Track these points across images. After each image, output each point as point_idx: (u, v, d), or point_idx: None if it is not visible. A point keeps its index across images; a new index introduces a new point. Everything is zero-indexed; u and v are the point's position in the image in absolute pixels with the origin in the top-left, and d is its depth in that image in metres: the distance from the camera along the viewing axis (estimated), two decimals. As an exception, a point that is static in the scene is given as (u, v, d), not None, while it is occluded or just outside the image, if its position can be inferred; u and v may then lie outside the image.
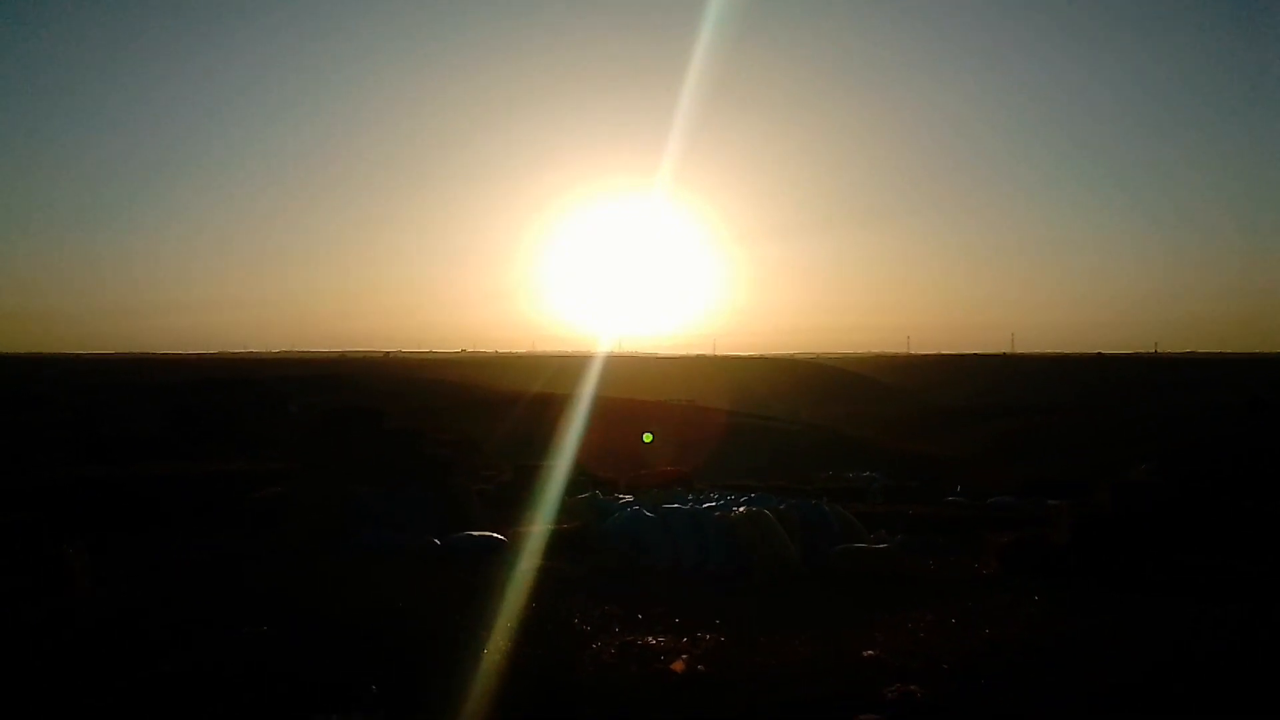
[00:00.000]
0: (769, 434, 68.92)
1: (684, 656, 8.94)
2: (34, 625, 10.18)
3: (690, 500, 18.92)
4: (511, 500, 21.32)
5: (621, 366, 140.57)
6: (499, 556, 15.01)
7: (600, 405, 61.94)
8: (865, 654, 9.04)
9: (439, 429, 37.73)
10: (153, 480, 22.78)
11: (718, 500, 18.35)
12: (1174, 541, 15.53)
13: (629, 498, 20.49)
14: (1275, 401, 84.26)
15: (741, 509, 16.68)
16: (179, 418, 43.47)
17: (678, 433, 60.33)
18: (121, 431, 42.20)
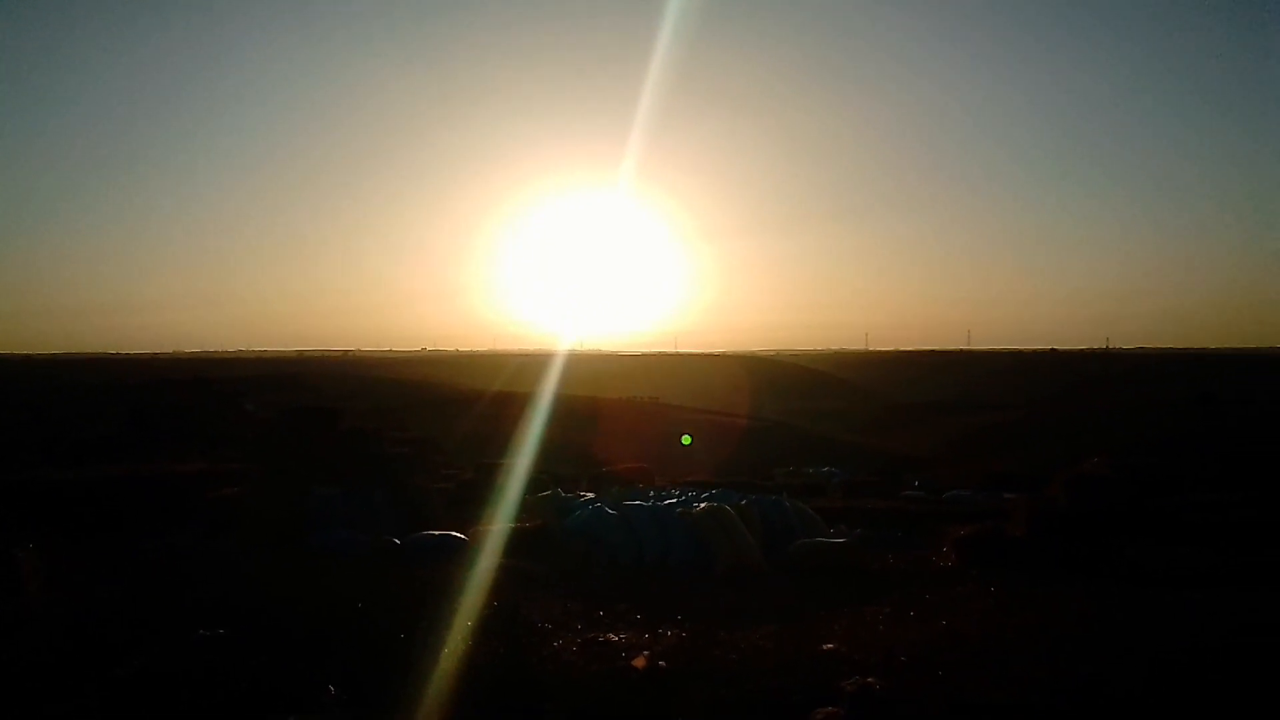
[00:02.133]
0: (730, 430, 69.16)
1: (645, 653, 8.96)
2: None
3: (651, 497, 18.97)
4: (472, 499, 21.23)
5: (584, 364, 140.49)
6: (459, 555, 14.95)
7: (562, 403, 61.80)
8: (824, 647, 9.12)
9: (398, 428, 37.47)
10: (108, 481, 22.41)
11: (679, 497, 18.41)
12: (1126, 533, 15.82)
13: (590, 495, 20.49)
14: (1223, 396, 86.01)
15: (703, 505, 16.75)
16: (134, 418, 42.81)
17: (639, 430, 60.42)
18: (76, 432, 41.50)
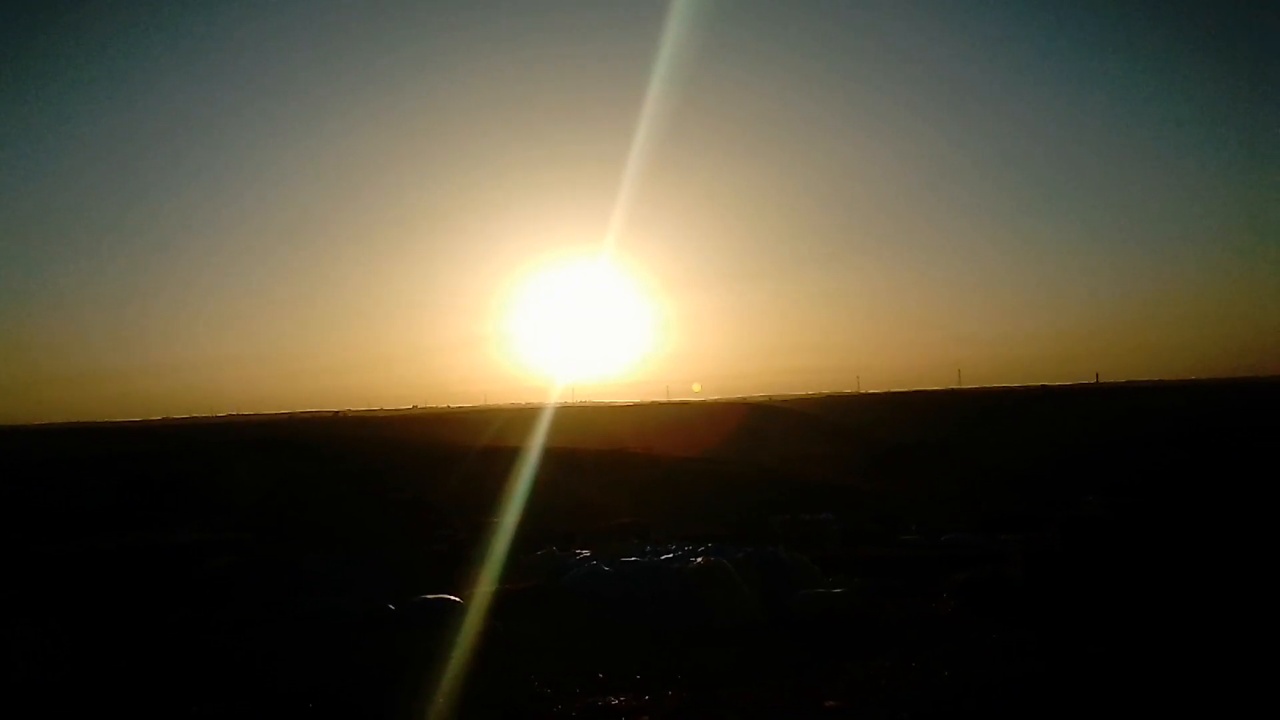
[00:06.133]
0: (724, 479, 68.84)
1: (647, 717, 8.88)
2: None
3: (648, 551, 18.88)
4: (467, 559, 21.12)
5: (575, 416, 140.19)
6: (454, 619, 14.82)
7: (554, 456, 61.55)
8: (827, 705, 9.04)
9: (391, 488, 37.26)
10: (100, 555, 22.25)
11: (675, 551, 18.33)
12: (1122, 573, 15.76)
13: (586, 552, 20.40)
14: (1214, 427, 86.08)
15: (699, 560, 16.68)
16: (126, 487, 42.56)
17: (633, 481, 60.16)
18: (67, 504, 41.18)
